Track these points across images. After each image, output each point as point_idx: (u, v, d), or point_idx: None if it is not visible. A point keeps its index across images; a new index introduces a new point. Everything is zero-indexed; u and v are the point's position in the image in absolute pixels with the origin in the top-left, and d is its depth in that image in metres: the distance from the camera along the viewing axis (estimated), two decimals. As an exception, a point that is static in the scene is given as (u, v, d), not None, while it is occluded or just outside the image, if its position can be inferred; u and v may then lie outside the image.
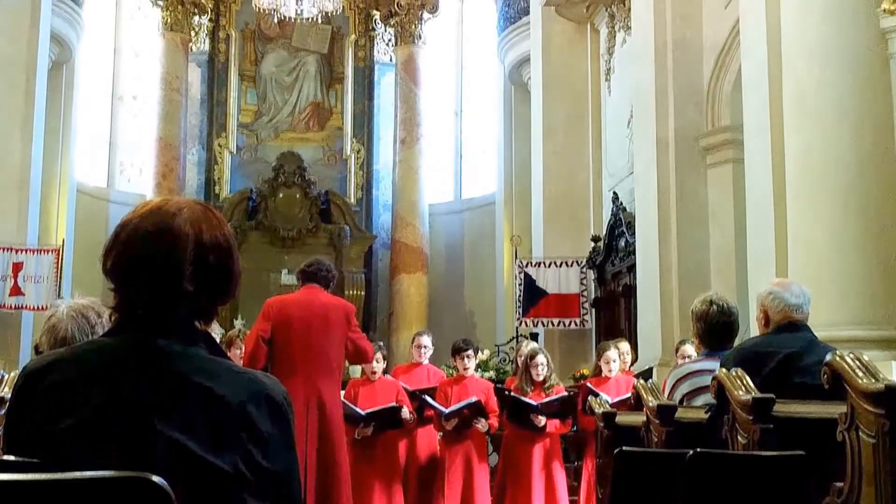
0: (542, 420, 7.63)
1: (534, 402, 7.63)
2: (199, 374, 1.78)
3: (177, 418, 1.73)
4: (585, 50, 13.86)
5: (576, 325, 13.24)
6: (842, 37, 7.17)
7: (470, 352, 8.15)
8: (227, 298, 1.94)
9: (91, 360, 1.82)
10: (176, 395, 1.76)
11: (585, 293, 13.22)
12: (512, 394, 7.81)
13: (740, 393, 3.67)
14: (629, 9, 11.67)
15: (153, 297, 1.84)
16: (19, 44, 13.25)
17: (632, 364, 9.22)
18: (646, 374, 9.16)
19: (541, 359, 7.86)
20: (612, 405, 6.05)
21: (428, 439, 8.21)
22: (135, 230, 1.86)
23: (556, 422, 7.76)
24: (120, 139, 17.44)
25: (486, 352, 13.95)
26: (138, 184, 17.03)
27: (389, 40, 17.91)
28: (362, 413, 7.53)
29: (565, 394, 7.94)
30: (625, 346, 8.65)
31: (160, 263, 1.83)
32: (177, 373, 1.78)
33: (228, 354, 3.19)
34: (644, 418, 4.48)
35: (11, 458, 1.73)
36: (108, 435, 1.73)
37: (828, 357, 3.27)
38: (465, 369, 8.12)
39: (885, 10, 7.18)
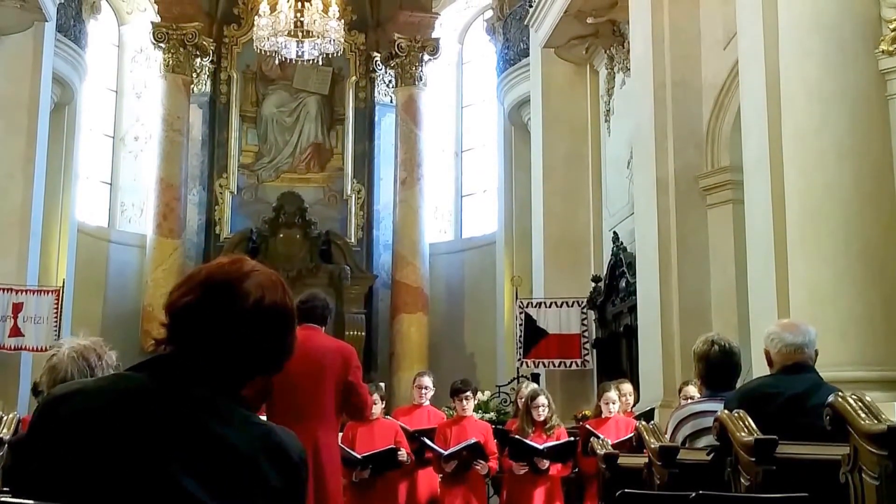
0: (545, 463, 7.58)
1: (539, 447, 7.57)
2: (215, 421, 1.78)
3: (187, 463, 1.72)
4: (585, 91, 13.92)
5: (577, 365, 13.18)
6: (841, 77, 7.21)
7: (468, 393, 8.11)
8: (270, 369, 1.93)
9: (113, 395, 1.82)
10: (189, 439, 1.75)
11: (586, 333, 13.17)
12: (516, 437, 7.75)
13: (743, 434, 3.64)
14: (628, 50, 11.74)
15: (195, 342, 1.85)
16: (22, 85, 13.34)
17: (633, 405, 9.17)
18: (647, 416, 9.10)
19: (542, 400, 7.82)
20: (611, 446, 6.00)
21: (428, 481, 8.14)
22: (206, 277, 1.90)
23: (558, 464, 7.70)
24: (121, 179, 17.49)
25: (487, 393, 13.89)
26: (139, 224, 17.06)
27: (390, 82, 18.01)
28: (358, 457, 7.45)
29: (572, 439, 7.88)
30: (627, 387, 8.61)
31: (214, 313, 1.86)
32: (193, 417, 1.77)
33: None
34: (646, 460, 4.45)
35: (30, 502, 1.73)
36: (117, 472, 1.72)
37: (830, 398, 3.25)
38: (464, 410, 8.08)
39: (883, 52, 7.22)
